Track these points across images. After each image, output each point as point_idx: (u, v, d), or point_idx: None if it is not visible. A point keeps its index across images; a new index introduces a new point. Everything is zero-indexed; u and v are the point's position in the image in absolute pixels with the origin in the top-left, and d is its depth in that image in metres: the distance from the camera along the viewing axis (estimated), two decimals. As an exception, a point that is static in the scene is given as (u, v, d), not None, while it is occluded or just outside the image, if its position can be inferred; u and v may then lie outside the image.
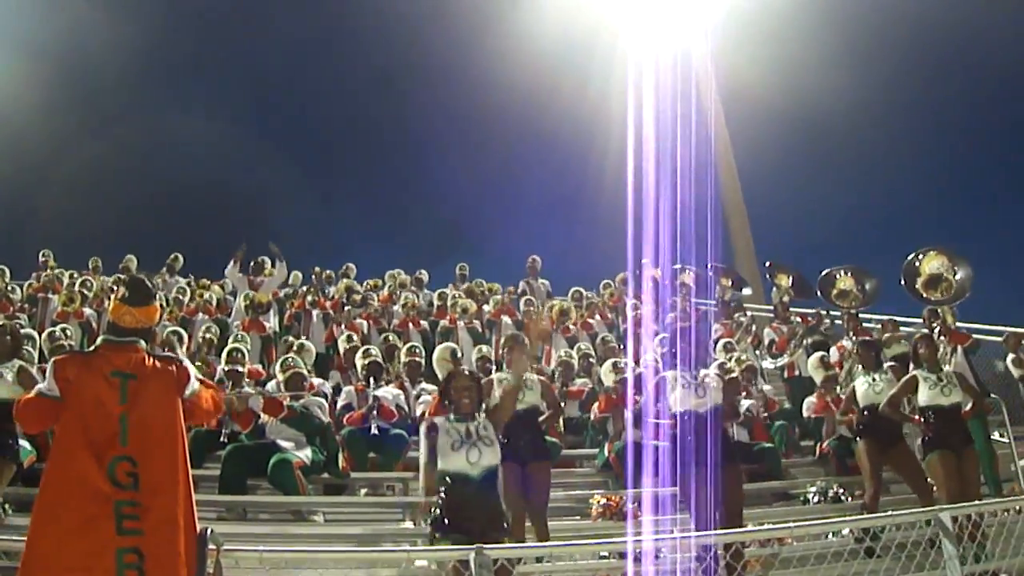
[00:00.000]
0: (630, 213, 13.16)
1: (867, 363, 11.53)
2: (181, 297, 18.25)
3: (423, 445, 7.68)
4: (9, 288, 18.38)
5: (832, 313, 18.14)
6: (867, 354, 11.65)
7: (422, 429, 7.81)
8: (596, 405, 12.97)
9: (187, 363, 5.80)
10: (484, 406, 7.94)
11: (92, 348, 5.68)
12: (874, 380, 11.25)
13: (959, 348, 13.63)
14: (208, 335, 15.56)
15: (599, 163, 27.22)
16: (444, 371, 12.60)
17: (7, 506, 9.65)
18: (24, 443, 9.60)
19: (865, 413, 11.12)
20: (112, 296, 5.95)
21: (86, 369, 5.38)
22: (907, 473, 10.84)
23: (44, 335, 14.04)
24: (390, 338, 16.01)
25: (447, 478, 7.34)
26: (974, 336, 14.46)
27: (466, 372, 8.17)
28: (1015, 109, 33.78)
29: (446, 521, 7.13)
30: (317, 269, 21.54)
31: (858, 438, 11.17)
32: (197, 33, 39.43)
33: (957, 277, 14.52)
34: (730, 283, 20.86)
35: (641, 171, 14.42)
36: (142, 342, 5.63)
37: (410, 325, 17.90)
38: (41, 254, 20.81)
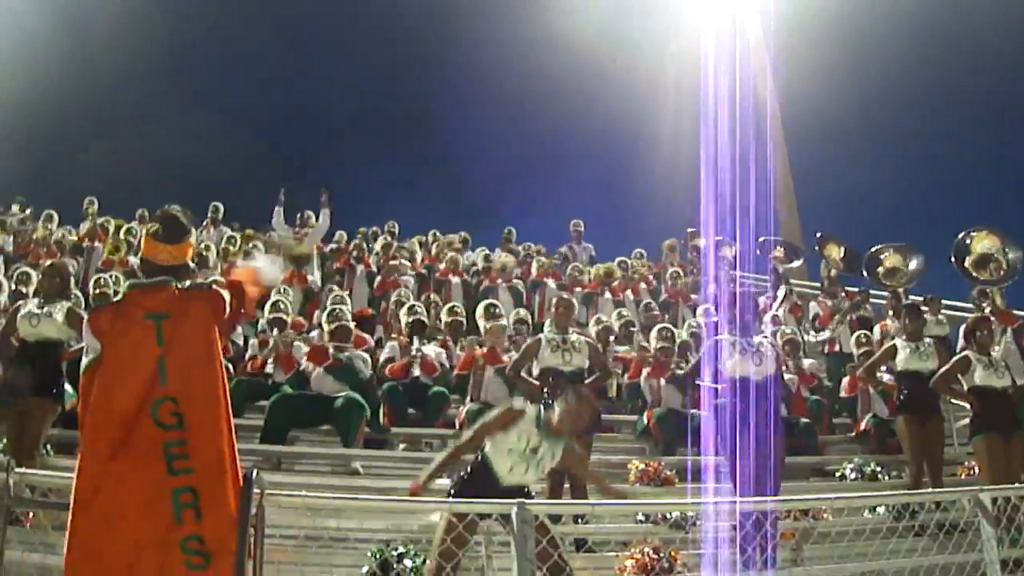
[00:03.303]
0: (701, 173, 13.15)
1: (912, 329, 11.38)
2: (231, 247, 18.36)
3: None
4: (59, 234, 18.51)
5: (871, 292, 18.02)
6: (913, 320, 11.49)
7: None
8: (646, 370, 12.97)
9: (219, 288, 5.73)
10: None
11: (121, 295, 5.63)
12: (917, 347, 11.10)
13: (1008, 329, 13.56)
14: None
15: (650, 133, 27.23)
16: (485, 327, 12.67)
17: (49, 447, 9.78)
18: (68, 386, 9.66)
19: (908, 382, 10.94)
20: (144, 232, 5.82)
21: (119, 316, 5.31)
22: (930, 448, 10.73)
23: (92, 282, 14.21)
24: (431, 297, 16.12)
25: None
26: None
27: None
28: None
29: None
30: (363, 229, 21.55)
31: (899, 412, 11.06)
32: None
33: (1008, 258, 14.40)
34: (782, 253, 20.68)
35: (697, 144, 14.40)
36: (173, 280, 5.50)
37: (451, 276, 18.02)
38: (86, 201, 20.88)
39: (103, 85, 33.97)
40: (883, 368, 11.67)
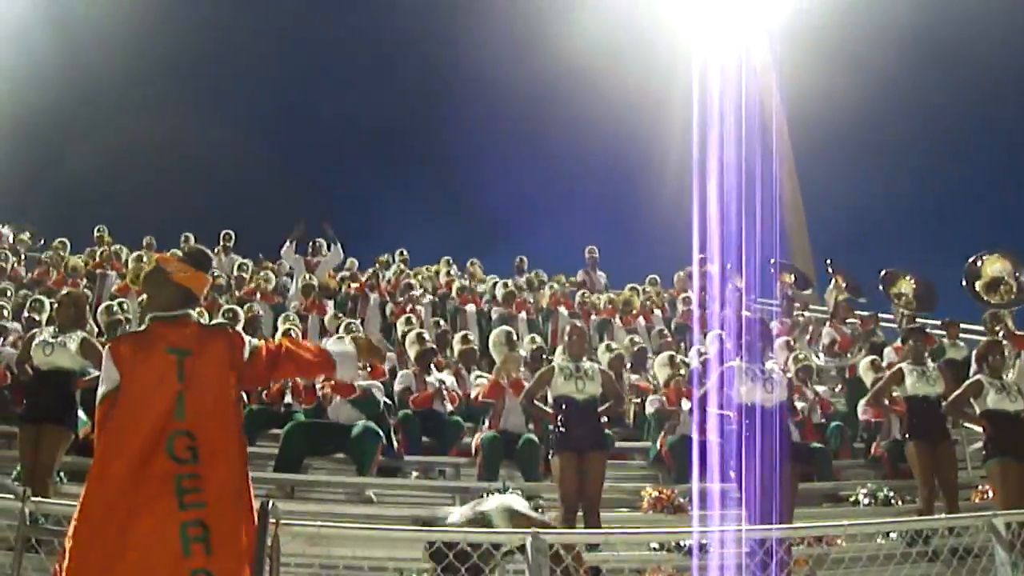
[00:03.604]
0: (695, 207, 13.15)
1: (919, 353, 11.36)
2: (244, 275, 18.47)
3: None
4: (72, 261, 18.60)
5: (883, 315, 18.03)
6: (919, 343, 11.47)
7: None
8: (663, 398, 12.95)
9: (239, 329, 5.74)
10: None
11: (144, 327, 5.63)
12: (924, 372, 11.05)
13: (1022, 353, 13.54)
14: (251, 314, 15.73)
15: (657, 156, 27.28)
16: (500, 355, 12.63)
17: (63, 475, 9.81)
18: (81, 414, 9.72)
19: (916, 407, 10.91)
20: (169, 263, 5.70)
21: (141, 347, 5.32)
22: (943, 474, 10.69)
23: (101, 308, 14.26)
24: (442, 323, 16.16)
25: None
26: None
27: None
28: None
29: None
30: (383, 258, 21.58)
31: (908, 437, 11.03)
32: (267, 15, 39.65)
33: (1019, 282, 14.41)
34: (792, 280, 20.70)
35: (704, 166, 14.42)
36: (192, 314, 5.55)
37: (467, 306, 18.08)
38: (96, 230, 21.04)
39: (105, 89, 34.26)
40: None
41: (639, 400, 13.70)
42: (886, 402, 11.85)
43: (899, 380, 11.13)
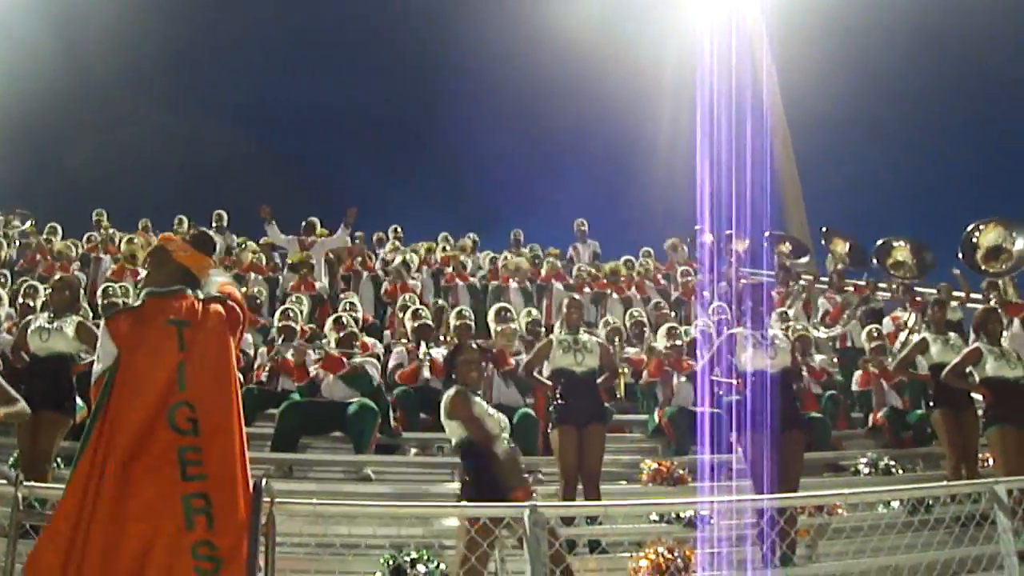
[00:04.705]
0: (689, 183, 13.13)
1: (940, 322, 11.39)
2: (239, 255, 18.46)
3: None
4: (67, 246, 18.51)
5: (881, 284, 18.00)
6: (940, 314, 11.52)
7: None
8: (646, 370, 12.95)
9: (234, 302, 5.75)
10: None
11: (139, 303, 5.61)
12: (948, 340, 11.08)
13: (1015, 320, 13.54)
14: (257, 289, 15.76)
15: (652, 132, 27.22)
16: (495, 330, 12.60)
17: (60, 460, 9.77)
18: (79, 400, 9.67)
19: (940, 375, 10.78)
20: (172, 242, 5.81)
21: (140, 322, 5.31)
22: (966, 439, 10.67)
23: (99, 291, 14.22)
24: (440, 301, 16.10)
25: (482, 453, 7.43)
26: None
27: (473, 345, 8.07)
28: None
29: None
30: (380, 234, 21.51)
31: (934, 406, 10.98)
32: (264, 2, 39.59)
33: (1016, 247, 14.39)
34: (789, 249, 20.62)
35: (697, 140, 14.37)
36: (189, 290, 5.54)
37: (457, 281, 18.01)
38: (95, 213, 20.94)
39: (99, 87, 34.22)
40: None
41: (628, 371, 13.65)
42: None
43: (924, 349, 11.19)
